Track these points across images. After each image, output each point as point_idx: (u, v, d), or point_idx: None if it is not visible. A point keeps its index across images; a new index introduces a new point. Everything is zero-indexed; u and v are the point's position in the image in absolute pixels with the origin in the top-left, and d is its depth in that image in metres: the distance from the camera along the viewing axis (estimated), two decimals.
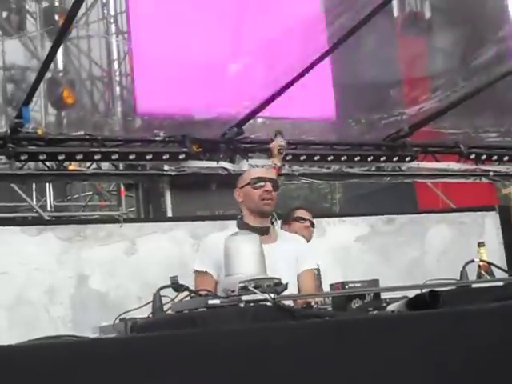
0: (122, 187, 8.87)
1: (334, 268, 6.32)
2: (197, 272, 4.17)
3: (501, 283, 3.13)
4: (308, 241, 5.73)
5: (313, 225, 5.75)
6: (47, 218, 9.71)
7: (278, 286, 2.59)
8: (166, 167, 6.75)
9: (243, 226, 4.20)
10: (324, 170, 7.41)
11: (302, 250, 4.38)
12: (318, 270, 4.49)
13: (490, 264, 3.37)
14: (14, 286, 5.60)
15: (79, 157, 6.21)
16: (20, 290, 5.61)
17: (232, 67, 6.70)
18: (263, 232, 4.11)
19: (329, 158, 7.18)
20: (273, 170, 4.86)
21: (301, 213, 5.78)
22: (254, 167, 6.98)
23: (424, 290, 2.80)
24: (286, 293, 2.68)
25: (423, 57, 7.98)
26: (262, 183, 4.25)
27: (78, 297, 5.76)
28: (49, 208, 10.57)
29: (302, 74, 6.39)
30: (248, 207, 4.28)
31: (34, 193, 10.58)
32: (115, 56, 8.02)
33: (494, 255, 7.13)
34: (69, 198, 12.02)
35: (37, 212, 9.91)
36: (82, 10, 7.13)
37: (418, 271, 6.91)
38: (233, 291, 2.57)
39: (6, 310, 5.53)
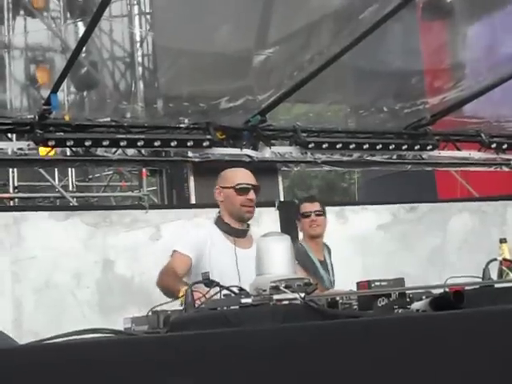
0: (144, 168, 8.96)
1: (354, 256, 6.42)
2: (179, 253, 4.14)
3: None
4: (320, 234, 5.84)
5: (322, 214, 5.82)
6: (69, 198, 9.83)
7: (307, 286, 2.67)
8: (189, 154, 6.82)
9: (222, 225, 4.23)
10: (345, 158, 7.46)
11: None
12: None
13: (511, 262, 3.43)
14: (42, 270, 5.73)
15: (105, 143, 6.29)
16: (48, 275, 5.75)
17: (257, 56, 6.71)
18: (240, 235, 4.23)
19: (351, 146, 7.22)
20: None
21: (304, 207, 5.87)
22: (275, 154, 7.10)
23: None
24: None
25: (447, 46, 7.96)
26: (246, 191, 4.23)
27: (104, 281, 5.89)
28: (71, 188, 10.68)
29: (326, 65, 6.42)
30: (228, 210, 4.27)
31: (56, 172, 10.69)
32: (138, 37, 8.05)
33: None
34: (90, 177, 12.13)
35: (59, 192, 10.03)
36: None
37: (439, 260, 7.00)
38: (264, 290, 2.66)
39: (35, 294, 5.68)
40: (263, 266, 2.82)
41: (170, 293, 3.80)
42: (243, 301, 2.57)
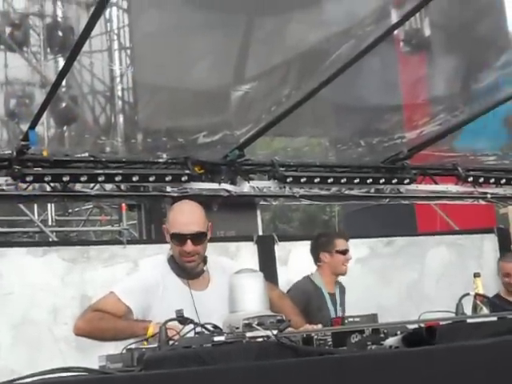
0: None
1: None
2: (117, 297, 3.75)
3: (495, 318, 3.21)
4: (345, 273, 5.89)
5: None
6: (49, 232, 9.81)
7: (280, 323, 2.69)
8: (168, 188, 6.82)
9: (174, 265, 3.84)
10: (323, 192, 7.49)
11: None
12: None
13: (485, 297, 3.46)
14: (18, 306, 5.69)
15: (83, 178, 6.28)
16: (24, 310, 5.71)
17: (236, 92, 6.77)
18: (194, 276, 3.83)
19: (329, 180, 7.26)
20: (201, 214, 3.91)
21: (341, 244, 5.91)
22: (254, 189, 7.11)
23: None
24: None
25: (424, 80, 8.06)
26: (182, 241, 3.75)
27: None
28: (50, 222, 10.68)
29: (304, 100, 6.47)
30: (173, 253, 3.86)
31: (36, 207, 10.67)
32: (117, 72, 8.07)
33: (492, 278, 7.26)
34: (70, 211, 12.12)
35: (38, 227, 10.02)
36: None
37: (416, 294, 7.02)
38: (237, 328, 2.66)
39: (11, 330, 5.63)
40: (236, 303, 2.83)
41: (113, 336, 3.55)
42: (216, 338, 2.58)
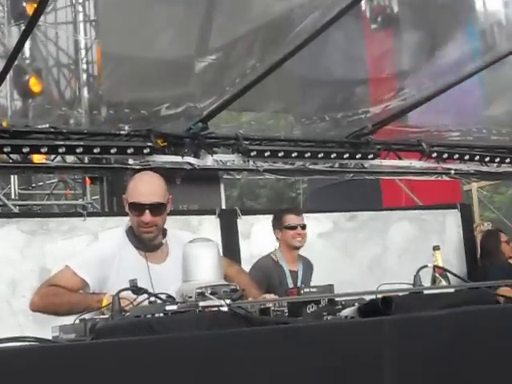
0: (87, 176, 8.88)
1: None
2: (72, 271, 3.66)
3: (452, 290, 3.21)
4: (301, 246, 5.86)
5: (305, 227, 5.87)
6: (12, 206, 9.70)
7: (234, 293, 2.65)
8: (130, 161, 6.75)
9: (133, 238, 3.74)
10: (287, 166, 7.47)
11: None
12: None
13: (443, 269, 3.45)
14: None
15: (44, 150, 6.21)
16: None
17: (199, 63, 6.69)
18: (152, 249, 3.75)
19: (293, 155, 7.25)
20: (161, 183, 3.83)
21: (290, 219, 5.87)
22: (217, 162, 7.06)
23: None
24: None
25: (390, 55, 8.03)
26: (140, 210, 3.65)
27: None
28: (13, 196, 10.54)
29: (268, 72, 6.42)
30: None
31: None
32: (82, 44, 7.97)
33: (454, 252, 7.30)
34: (34, 185, 11.97)
35: (1, 200, 9.89)
36: None
37: (379, 268, 7.05)
38: (190, 297, 2.62)
39: None
40: (189, 272, 2.78)
41: (67, 310, 3.43)
42: (168, 308, 2.53)
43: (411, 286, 3.22)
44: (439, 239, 7.09)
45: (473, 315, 2.76)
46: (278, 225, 5.92)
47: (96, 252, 3.81)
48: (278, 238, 5.93)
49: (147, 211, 3.62)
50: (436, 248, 3.74)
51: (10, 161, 6.38)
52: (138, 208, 3.65)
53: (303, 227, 5.87)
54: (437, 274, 3.56)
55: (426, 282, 3.44)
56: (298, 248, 5.90)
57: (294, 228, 5.84)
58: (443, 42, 7.84)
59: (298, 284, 5.79)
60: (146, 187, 3.73)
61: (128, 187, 3.79)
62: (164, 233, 3.81)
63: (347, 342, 2.51)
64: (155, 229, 3.69)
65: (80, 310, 3.29)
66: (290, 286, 5.76)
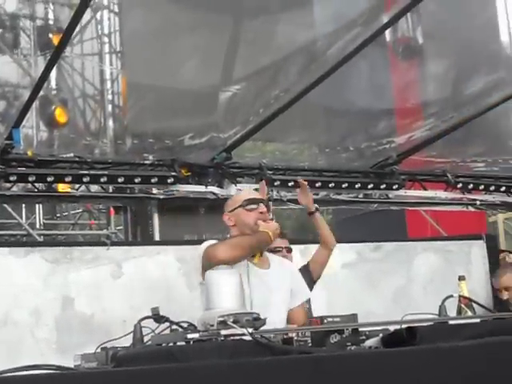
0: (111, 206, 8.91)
1: (319, 294, 6.35)
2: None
3: (478, 320, 3.16)
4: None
5: (291, 250, 5.80)
6: (36, 235, 9.73)
7: (256, 321, 2.62)
8: (154, 190, 6.76)
9: None
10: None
11: (295, 283, 4.32)
12: (309, 300, 4.53)
13: (469, 300, 3.41)
14: (0, 307, 5.61)
15: (68, 179, 6.22)
16: (6, 311, 5.62)
17: (223, 93, 6.71)
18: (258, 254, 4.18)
19: (317, 185, 7.21)
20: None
21: (275, 242, 5.81)
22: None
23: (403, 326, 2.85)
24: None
25: (416, 85, 8.02)
26: (255, 205, 4.17)
27: (63, 319, 5.76)
28: (38, 226, 10.59)
29: (293, 102, 6.42)
30: (241, 231, 4.18)
31: (24, 210, 10.60)
32: (108, 75, 8.04)
33: (479, 283, 7.21)
34: (58, 215, 12.03)
35: (26, 230, 9.94)
36: (76, 28, 7.16)
37: (403, 299, 6.95)
38: (212, 325, 2.60)
39: None
40: (211, 300, 2.75)
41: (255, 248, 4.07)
42: (190, 336, 2.51)
43: (436, 317, 3.17)
44: (464, 270, 6.98)
45: (499, 346, 2.71)
46: None
47: None
48: None
49: (262, 204, 4.21)
50: (461, 278, 3.71)
51: (35, 190, 6.40)
52: (254, 202, 4.20)
53: (288, 250, 5.77)
54: (462, 305, 3.52)
55: (452, 312, 3.40)
56: None
57: (279, 251, 5.75)
58: (468, 72, 7.82)
59: None
60: (251, 191, 4.53)
61: (228, 204, 4.33)
62: None
63: (371, 373, 2.47)
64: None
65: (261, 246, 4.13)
66: None
